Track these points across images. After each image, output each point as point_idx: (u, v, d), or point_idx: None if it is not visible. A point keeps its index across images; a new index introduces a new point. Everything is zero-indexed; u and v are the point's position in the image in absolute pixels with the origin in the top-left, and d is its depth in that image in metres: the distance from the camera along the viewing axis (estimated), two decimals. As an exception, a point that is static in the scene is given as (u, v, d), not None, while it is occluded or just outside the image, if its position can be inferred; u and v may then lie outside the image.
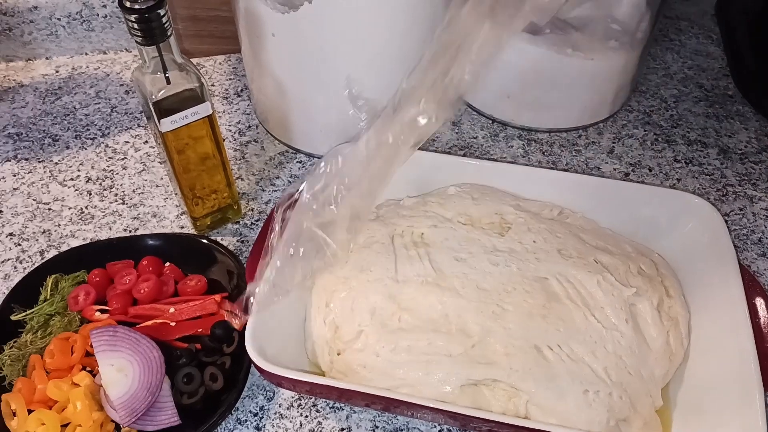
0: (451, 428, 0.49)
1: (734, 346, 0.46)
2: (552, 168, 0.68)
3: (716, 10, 0.91)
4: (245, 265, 0.51)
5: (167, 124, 0.51)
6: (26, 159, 0.69)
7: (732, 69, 0.82)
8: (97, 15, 0.79)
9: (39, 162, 0.68)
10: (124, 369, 0.47)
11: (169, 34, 0.48)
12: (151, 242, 0.57)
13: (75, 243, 0.61)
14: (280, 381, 0.45)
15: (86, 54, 0.82)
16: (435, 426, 0.49)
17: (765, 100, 0.76)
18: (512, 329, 0.46)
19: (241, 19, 0.62)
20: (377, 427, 0.49)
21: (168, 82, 0.50)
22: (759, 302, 0.49)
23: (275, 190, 0.66)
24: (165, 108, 0.51)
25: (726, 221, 0.61)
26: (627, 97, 0.76)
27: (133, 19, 0.46)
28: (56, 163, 0.68)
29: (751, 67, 0.79)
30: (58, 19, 0.78)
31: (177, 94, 0.51)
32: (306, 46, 0.59)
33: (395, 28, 0.58)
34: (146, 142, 0.71)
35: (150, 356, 0.48)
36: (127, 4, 0.46)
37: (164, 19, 0.47)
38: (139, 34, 0.47)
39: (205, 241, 0.58)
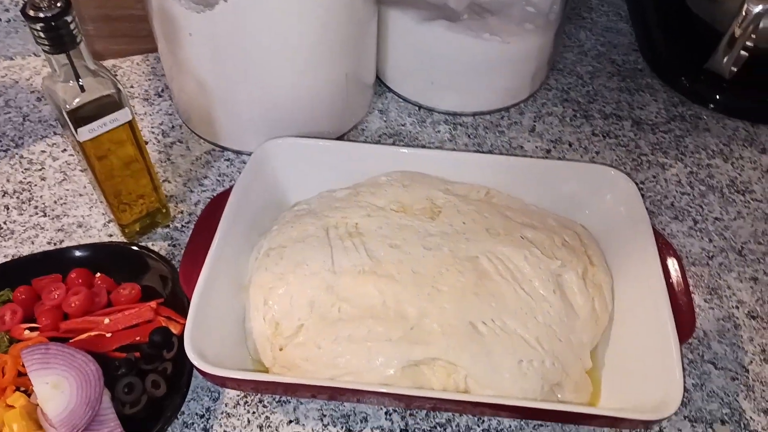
0: (396, 409, 0.50)
1: (652, 305, 0.49)
2: (477, 151, 0.70)
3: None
4: (179, 269, 0.51)
5: (85, 133, 0.49)
6: (-66, 176, 0.65)
7: (640, 44, 0.86)
8: (0, 20, 0.75)
9: (-51, 179, 0.65)
10: (60, 385, 0.46)
11: (78, 40, 0.46)
12: (78, 253, 0.56)
13: (-4, 261, 0.58)
14: (223, 381, 0.45)
15: (-9, 61, 0.78)
16: (381, 408, 0.50)
17: (672, 72, 0.80)
18: (447, 308, 0.48)
19: (156, 19, 0.60)
20: (325, 416, 0.49)
21: (82, 90, 0.48)
22: (671, 263, 0.53)
23: (204, 190, 0.65)
24: (81, 116, 0.49)
25: (641, 189, 0.66)
26: (545, 76, 0.79)
27: (39, 28, 0.44)
28: (-32, 179, 0.65)
29: (658, 41, 0.84)
30: (-42, 26, 0.74)
31: (93, 101, 0.49)
32: (225, 44, 0.58)
33: (313, 18, 0.58)
34: (64, 150, 0.68)
35: (86, 370, 0.47)
36: (31, 13, 0.44)
37: (72, 26, 0.45)
38: (47, 43, 0.45)
39: (135, 248, 0.57)
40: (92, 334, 0.51)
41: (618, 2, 0.93)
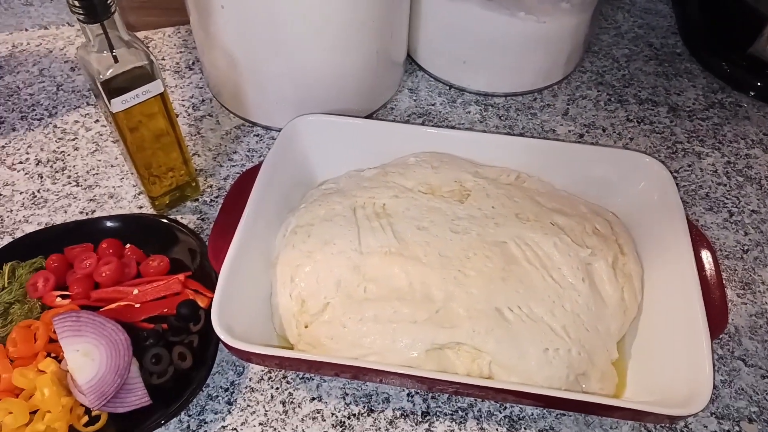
0: (419, 391, 0.50)
1: (683, 298, 0.48)
2: (508, 134, 0.69)
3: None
4: (207, 243, 0.51)
5: (118, 104, 0.50)
6: (-30, 143, 0.66)
7: (680, 27, 0.83)
8: (35, -12, 0.75)
9: (-16, 146, 0.66)
10: (90, 353, 0.47)
11: (113, 10, 0.46)
12: (109, 224, 0.57)
13: (29, 228, 0.59)
14: (248, 356, 0.46)
15: (26, 30, 0.78)
16: (403, 390, 0.50)
17: (712, 57, 0.78)
18: (474, 293, 0.48)
19: (189, -9, 0.60)
20: (347, 395, 0.50)
21: (116, 60, 0.48)
22: (705, 255, 0.51)
23: (233, 165, 0.65)
24: (114, 87, 0.49)
25: (675, 178, 0.64)
26: (580, 58, 0.77)
27: (74, -4, 0.44)
28: (2, 147, 0.66)
29: (699, 24, 0.81)
30: (-6, -6, 0.75)
31: (126, 73, 0.49)
32: (257, 17, 0.57)
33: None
34: (97, 120, 0.69)
35: (116, 339, 0.48)
36: (66, -20, 0.44)
37: (106, -6, 0.45)
38: (81, 12, 0.45)
39: (164, 220, 0.57)
40: (121, 304, 0.52)
41: (659, -17, 0.90)
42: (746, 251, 0.60)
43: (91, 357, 0.47)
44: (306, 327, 0.49)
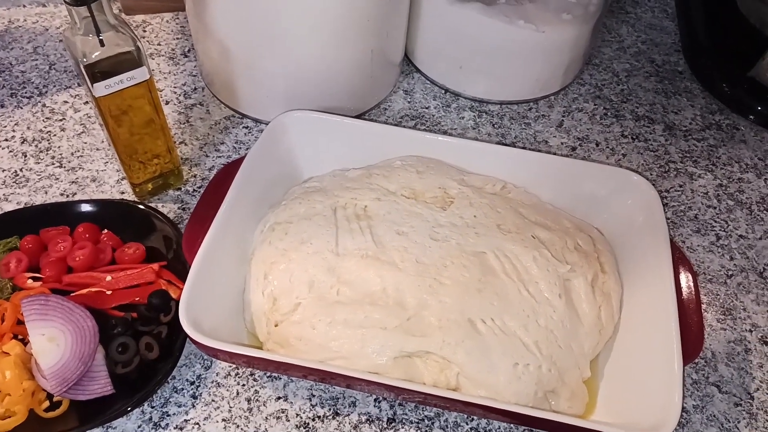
0: (386, 397, 0.50)
1: (660, 321, 0.47)
2: (498, 143, 0.69)
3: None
4: (183, 233, 0.51)
5: (101, 89, 0.49)
6: (-43, 117, 0.66)
7: (684, 45, 0.82)
8: (35, -35, 0.75)
9: (-30, 121, 0.65)
10: (56, 338, 0.46)
11: (100, -7, 0.45)
12: (88, 208, 0.56)
13: (8, 207, 0.59)
14: (215, 353, 0.45)
15: (24, 6, 0.78)
16: (370, 395, 0.50)
17: (714, 77, 0.77)
18: (448, 303, 0.47)
19: (185, -22, 0.59)
20: (313, 396, 0.49)
21: (102, 44, 0.48)
22: (685, 278, 0.51)
23: (219, 156, 0.65)
24: (99, 71, 0.49)
25: (665, 198, 0.63)
26: (579, 69, 0.76)
27: (60, -24, 0.44)
28: (-11, 123, 0.66)
29: (704, 43, 0.80)
30: (-8, -32, 0.74)
31: (112, 57, 0.49)
32: (253, 9, 0.57)
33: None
34: (86, 102, 0.68)
35: (83, 325, 0.48)
36: (53, -40, 0.43)
37: (93, -23, 0.44)
38: (67, -7, 0.45)
39: (143, 207, 0.57)
40: (93, 290, 0.51)
41: (666, -2, 0.89)
42: (730, 276, 0.60)
43: (56, 342, 0.46)
44: (276, 326, 0.48)
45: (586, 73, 0.77)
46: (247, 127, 0.67)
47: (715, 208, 0.65)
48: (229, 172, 0.54)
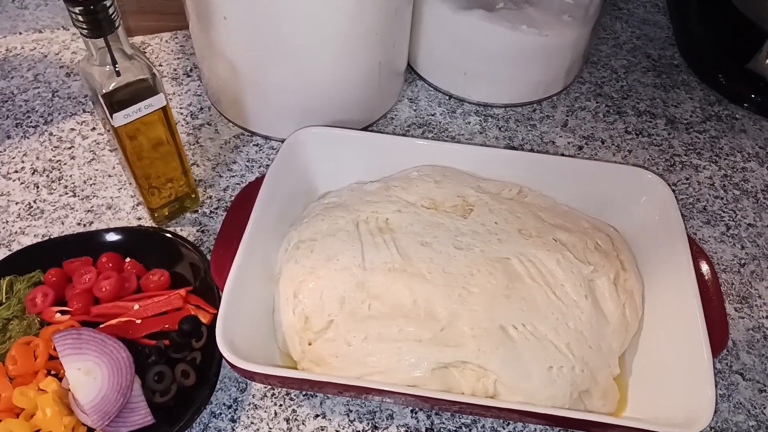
0: (421, 409, 0.50)
1: (685, 315, 0.48)
2: (509, 147, 0.69)
3: (661, -24, 0.92)
4: (209, 257, 0.51)
5: (120, 118, 0.49)
6: (-36, 151, 0.65)
7: (678, 38, 0.84)
8: (30, -8, 0.74)
9: (-22, 154, 0.65)
10: (92, 372, 0.46)
11: (117, 25, 0.45)
12: (109, 237, 0.56)
13: (26, 240, 0.58)
14: (252, 375, 0.45)
15: (20, 33, 0.77)
16: (407, 406, 0.50)
17: (710, 69, 0.78)
18: (478, 311, 0.48)
19: (191, 3, 0.59)
20: (351, 411, 0.50)
21: (118, 74, 0.48)
22: (705, 272, 0.52)
23: (233, 176, 0.65)
24: (117, 100, 0.49)
25: (674, 191, 0.64)
26: (579, 69, 0.77)
27: (77, 12, 0.43)
28: (-2, 155, 0.65)
29: (698, 36, 0.81)
30: (-13, -3, 0.73)
31: (128, 86, 0.49)
32: (260, 28, 0.57)
33: (349, 4, 0.57)
34: (93, 129, 0.68)
35: (118, 357, 0.48)
36: (70, -5, 0.43)
37: (111, 10, 0.44)
38: (85, 27, 0.44)
39: (165, 233, 0.57)
40: (122, 319, 0.51)
41: (655, -8, 0.91)
42: (743, 265, 0.61)
43: (92, 375, 0.46)
44: (309, 344, 0.49)
45: (585, 72, 0.79)
46: (257, 145, 0.68)
47: (722, 198, 0.66)
48: (248, 192, 0.55)
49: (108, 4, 0.44)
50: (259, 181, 0.55)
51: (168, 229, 0.59)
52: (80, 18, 0.44)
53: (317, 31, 0.57)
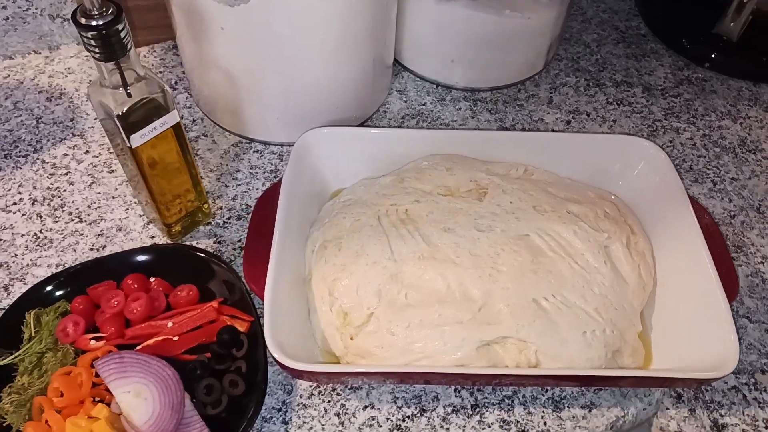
0: (464, 386, 0.52)
1: (696, 266, 0.52)
2: (503, 129, 0.72)
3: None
4: (233, 266, 0.51)
5: (137, 139, 0.49)
6: (-44, 188, 0.63)
7: (641, 9, 0.88)
8: (-3, 17, 0.72)
9: (-28, 190, 0.63)
10: (142, 393, 0.46)
11: (129, 48, 0.45)
12: (128, 258, 0.55)
13: (40, 272, 0.57)
14: (301, 374, 0.46)
15: (-10, 61, 0.75)
16: (449, 387, 0.52)
17: (674, 35, 0.83)
18: (510, 288, 0.50)
19: (181, 13, 0.59)
20: (397, 398, 0.51)
21: (129, 96, 0.47)
22: (707, 223, 0.56)
23: (239, 184, 0.65)
24: (131, 122, 0.48)
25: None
26: (557, 46, 0.80)
27: (89, 36, 0.43)
28: (-8, 189, 0.63)
29: (658, 5, 0.86)
30: (-48, 27, 0.71)
31: (140, 106, 0.48)
32: (256, 36, 0.57)
33: (341, 5, 0.57)
34: (87, 152, 0.67)
35: (164, 375, 0.48)
36: (82, 21, 0.43)
37: (123, 33, 0.44)
38: (97, 51, 0.44)
39: (187, 248, 0.56)
40: (159, 338, 0.51)
41: (612, -34, 0.94)
42: (733, 217, 0.65)
43: (143, 397, 0.46)
44: (351, 339, 0.50)
45: (560, 49, 0.81)
46: (257, 151, 0.68)
47: (704, 157, 0.71)
48: (267, 200, 0.55)
49: (120, 28, 0.44)
50: (275, 187, 0.56)
51: (186, 243, 0.59)
52: (92, 42, 0.44)
53: (313, 35, 0.58)
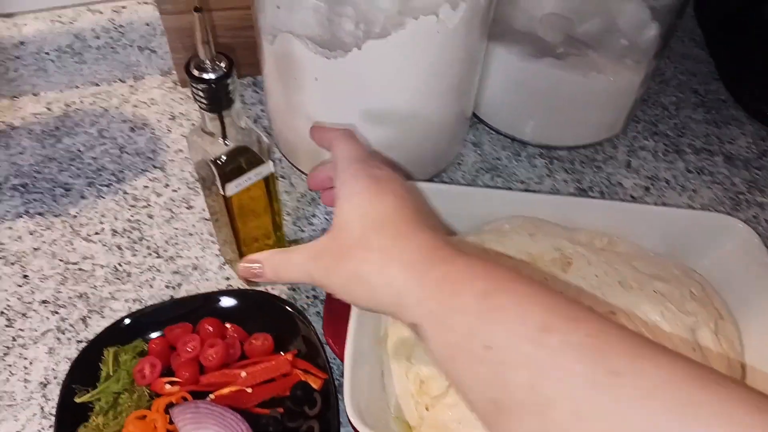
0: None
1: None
2: (580, 191, 0.70)
3: (695, 10, 0.94)
4: (323, 321, 0.51)
5: (232, 188, 0.49)
6: (40, 213, 0.64)
7: (720, 72, 0.86)
8: (90, 47, 0.74)
9: (55, 216, 0.64)
10: (216, 446, 0.46)
11: (234, 100, 0.46)
12: (209, 302, 0.55)
13: (117, 305, 0.58)
14: (379, 443, 0.45)
15: (77, 87, 0.77)
16: (521, 464, 0.50)
17: (756, 104, 0.81)
18: (594, 369, 0.48)
19: (274, 58, 0.60)
20: (468, 472, 0.50)
21: (227, 145, 0.48)
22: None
23: (314, 230, 0.65)
24: (227, 171, 0.49)
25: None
26: (636, 108, 0.79)
27: (200, 88, 0.44)
28: (74, 216, 0.64)
29: (738, 71, 0.84)
30: (47, 54, 0.73)
31: (238, 155, 0.49)
32: (348, 87, 0.58)
33: (439, 60, 0.57)
34: (167, 185, 0.68)
35: (238, 429, 0.47)
36: (195, 73, 0.43)
37: (231, 87, 0.45)
38: (204, 102, 0.45)
39: (268, 295, 0.56)
40: (233, 389, 0.51)
41: (690, 26, 0.93)
42: (820, 303, 0.62)
43: (217, 450, 0.46)
44: (427, 409, 0.49)
45: (638, 110, 0.80)
46: (333, 197, 0.68)
47: (790, 235, 0.68)
48: (346, 252, 0.55)
49: (229, 83, 0.44)
50: (356, 240, 0.55)
51: (260, 289, 0.59)
52: (201, 94, 0.44)
53: (405, 90, 0.58)
